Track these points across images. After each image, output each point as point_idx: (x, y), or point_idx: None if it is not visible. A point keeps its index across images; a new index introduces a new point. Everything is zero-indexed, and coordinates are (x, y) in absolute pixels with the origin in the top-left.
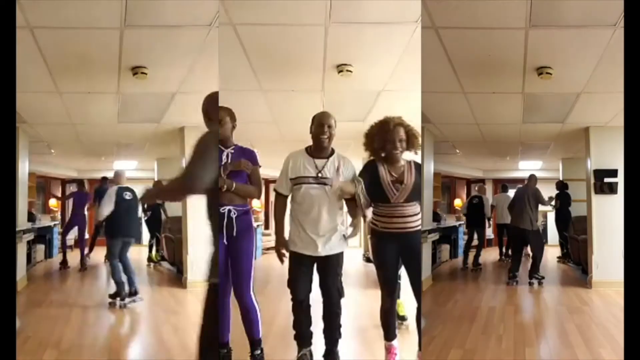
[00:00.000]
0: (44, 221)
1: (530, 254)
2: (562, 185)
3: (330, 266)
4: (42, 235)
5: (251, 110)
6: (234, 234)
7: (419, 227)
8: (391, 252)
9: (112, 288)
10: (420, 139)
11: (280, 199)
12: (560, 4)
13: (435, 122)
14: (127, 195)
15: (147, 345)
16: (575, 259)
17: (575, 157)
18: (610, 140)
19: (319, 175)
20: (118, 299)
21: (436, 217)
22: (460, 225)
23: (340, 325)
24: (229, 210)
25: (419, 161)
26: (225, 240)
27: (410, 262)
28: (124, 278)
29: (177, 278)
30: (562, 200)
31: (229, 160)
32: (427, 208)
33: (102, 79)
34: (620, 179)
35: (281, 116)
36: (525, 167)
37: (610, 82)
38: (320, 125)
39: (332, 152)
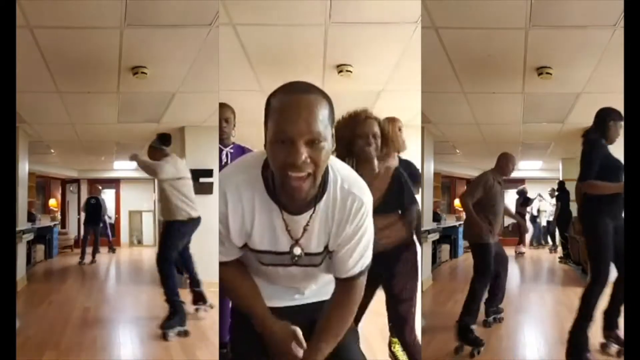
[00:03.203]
0: (44, 221)
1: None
2: (562, 186)
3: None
4: (42, 235)
5: (251, 110)
6: None
7: (396, 242)
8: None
9: (111, 288)
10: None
11: (226, 270)
12: (560, 4)
13: (435, 122)
14: None
15: (147, 345)
16: (575, 259)
17: (575, 157)
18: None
19: (295, 252)
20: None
21: (436, 217)
22: (460, 225)
23: None
24: None
25: (417, 162)
26: None
27: (390, 284)
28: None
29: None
30: (563, 200)
31: (229, 161)
32: (427, 208)
33: (102, 79)
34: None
35: None
36: (525, 167)
37: (610, 82)
38: (286, 141)
39: (325, 180)
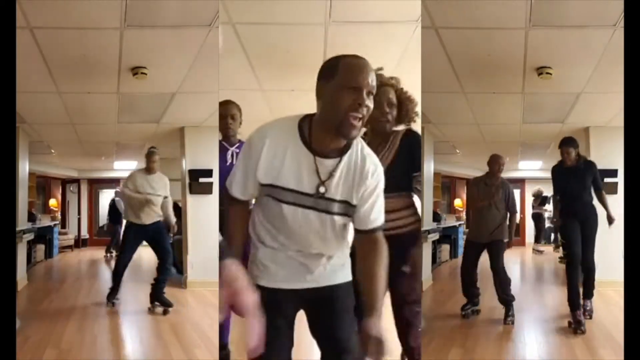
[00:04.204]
0: (44, 221)
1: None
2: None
3: (335, 308)
4: (42, 235)
5: (251, 110)
6: None
7: (412, 227)
8: None
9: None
10: (416, 103)
11: (236, 207)
12: (560, 4)
13: (435, 122)
14: None
15: (147, 345)
16: None
17: None
18: (610, 140)
19: (321, 190)
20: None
21: (436, 217)
22: (460, 225)
23: None
24: None
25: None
26: None
27: (397, 281)
28: None
29: (177, 278)
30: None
31: (234, 161)
32: (427, 208)
33: (102, 79)
34: (620, 179)
35: (282, 116)
36: (525, 167)
37: (610, 82)
38: (355, 88)
39: (349, 144)
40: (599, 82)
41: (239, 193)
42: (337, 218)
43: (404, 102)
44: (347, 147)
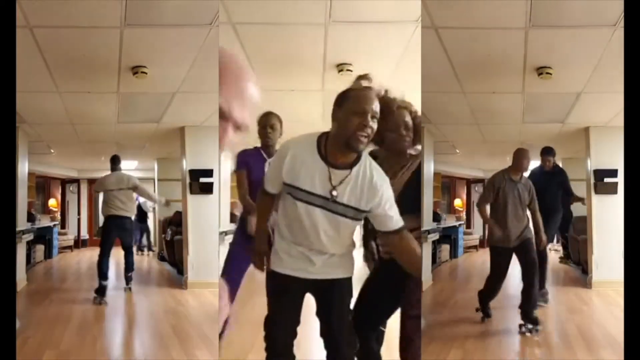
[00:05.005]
0: (43, 221)
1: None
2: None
3: (333, 298)
4: (42, 236)
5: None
6: None
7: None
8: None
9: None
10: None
11: (266, 197)
12: (560, 4)
13: (435, 122)
14: None
15: (147, 345)
16: (575, 259)
17: (575, 157)
18: (610, 140)
19: (333, 194)
20: None
21: (436, 217)
22: (460, 225)
23: None
24: None
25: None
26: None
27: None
28: None
29: (177, 278)
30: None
31: None
32: (427, 208)
33: (102, 79)
34: (620, 179)
35: (282, 116)
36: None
37: (610, 82)
38: (361, 113)
39: (359, 157)
40: (598, 82)
41: (270, 187)
42: (344, 220)
43: (418, 125)
44: (356, 161)
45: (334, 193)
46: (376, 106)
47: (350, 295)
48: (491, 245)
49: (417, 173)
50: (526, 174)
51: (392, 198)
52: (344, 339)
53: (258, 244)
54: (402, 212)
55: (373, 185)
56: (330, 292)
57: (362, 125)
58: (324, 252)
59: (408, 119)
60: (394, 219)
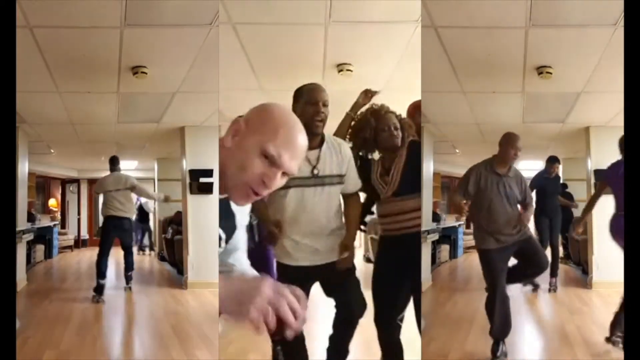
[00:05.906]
0: (43, 221)
1: None
2: (563, 186)
3: (339, 274)
4: (42, 236)
5: None
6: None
7: (419, 228)
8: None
9: None
10: (413, 127)
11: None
12: (560, 3)
13: (435, 122)
14: None
15: (147, 345)
16: (575, 259)
17: (575, 157)
18: (610, 140)
19: (315, 172)
20: None
21: (436, 217)
22: (460, 225)
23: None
24: None
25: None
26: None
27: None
28: None
29: (177, 278)
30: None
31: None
32: (427, 208)
33: (102, 79)
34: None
35: None
36: (525, 167)
37: (610, 82)
38: (314, 102)
39: (323, 137)
40: (599, 82)
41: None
42: (332, 188)
43: (404, 127)
44: (322, 141)
45: (315, 171)
46: (326, 95)
47: (355, 268)
48: (480, 249)
49: (412, 155)
50: (518, 166)
51: (353, 160)
52: (354, 296)
53: (267, 221)
54: (403, 194)
55: (342, 152)
56: (337, 271)
57: (317, 111)
58: (323, 233)
59: (395, 120)
60: (355, 180)
